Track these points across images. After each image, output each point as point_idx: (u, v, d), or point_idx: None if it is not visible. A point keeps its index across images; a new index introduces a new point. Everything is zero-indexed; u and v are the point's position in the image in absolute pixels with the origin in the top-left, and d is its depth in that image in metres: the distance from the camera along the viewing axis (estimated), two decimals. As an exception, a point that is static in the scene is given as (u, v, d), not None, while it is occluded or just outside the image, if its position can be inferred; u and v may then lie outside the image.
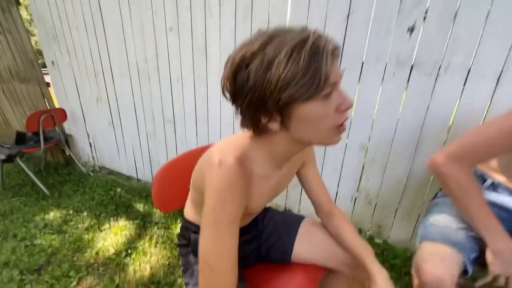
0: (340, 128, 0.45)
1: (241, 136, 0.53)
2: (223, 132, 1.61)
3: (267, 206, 0.80)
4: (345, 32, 1.14)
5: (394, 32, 1.06)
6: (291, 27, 0.42)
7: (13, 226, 1.62)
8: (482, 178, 0.78)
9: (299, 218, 0.80)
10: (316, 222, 0.79)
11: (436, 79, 1.04)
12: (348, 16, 1.11)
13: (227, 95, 0.46)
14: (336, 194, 1.43)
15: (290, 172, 0.64)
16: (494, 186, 0.75)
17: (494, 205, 0.71)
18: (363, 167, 1.32)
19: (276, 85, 0.39)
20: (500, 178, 0.75)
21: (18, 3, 2.10)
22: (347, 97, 0.44)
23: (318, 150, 1.37)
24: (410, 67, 1.08)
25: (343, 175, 1.37)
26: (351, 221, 0.88)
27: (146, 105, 1.84)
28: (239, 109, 0.46)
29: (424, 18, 1.00)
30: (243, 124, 0.48)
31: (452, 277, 0.62)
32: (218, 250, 0.46)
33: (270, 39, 0.40)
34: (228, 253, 0.47)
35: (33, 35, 9.51)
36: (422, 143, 1.14)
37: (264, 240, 0.79)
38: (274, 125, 0.45)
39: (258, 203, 0.59)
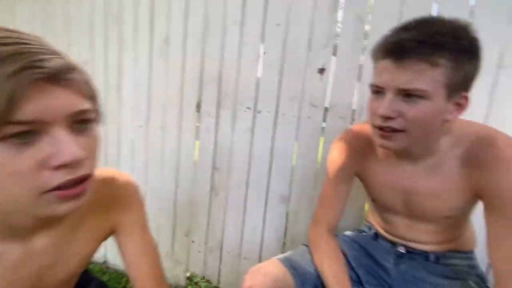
0: (63, 193, 0.29)
1: None
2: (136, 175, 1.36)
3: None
4: (258, 72, 1.05)
5: (305, 73, 0.98)
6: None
7: None
8: (369, 229, 0.78)
9: None
10: None
11: (351, 123, 0.94)
12: (260, 56, 1.04)
13: None
14: (260, 258, 1.17)
15: (72, 247, 0.41)
16: (376, 235, 0.75)
17: (370, 256, 0.72)
18: (286, 221, 1.11)
19: None
20: (377, 227, 0.76)
21: None
22: (67, 146, 0.28)
23: (238, 204, 1.16)
24: (324, 110, 0.98)
25: (266, 232, 1.15)
26: None
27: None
28: None
29: (334, 59, 0.94)
30: None
31: (262, 286, 0.59)
32: None
33: None
34: None
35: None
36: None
37: None
38: None
39: None
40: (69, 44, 1.40)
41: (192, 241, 1.30)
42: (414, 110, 0.48)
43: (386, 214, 0.69)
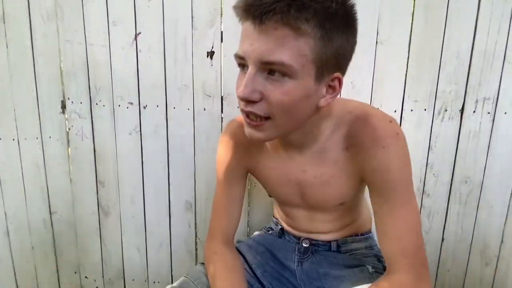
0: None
1: None
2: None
3: None
4: (137, 58, 0.85)
5: (193, 57, 0.83)
6: None
7: None
8: (276, 225, 0.73)
9: None
10: None
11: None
12: (135, 37, 0.84)
13: None
14: (172, 278, 1.00)
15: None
16: (282, 231, 0.70)
17: (275, 259, 0.66)
18: (196, 232, 0.97)
19: None
20: (282, 222, 0.71)
21: None
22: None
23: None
24: (220, 99, 0.86)
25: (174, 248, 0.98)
26: None
27: None
28: None
29: (221, 40, 0.82)
30: None
31: None
32: None
33: None
34: None
35: None
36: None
37: None
38: None
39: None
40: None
41: (86, 277, 1.03)
42: (279, 92, 0.38)
43: (286, 208, 0.63)
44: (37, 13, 0.85)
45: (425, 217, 0.92)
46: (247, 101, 0.39)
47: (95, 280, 1.03)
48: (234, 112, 0.85)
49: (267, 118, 0.40)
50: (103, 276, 1.02)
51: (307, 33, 0.36)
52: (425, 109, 0.84)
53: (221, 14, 0.80)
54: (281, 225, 0.69)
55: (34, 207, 0.97)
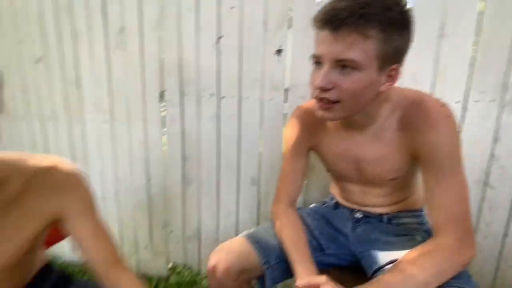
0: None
1: None
2: (106, 172, 1.34)
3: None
4: (218, 58, 1.04)
5: (263, 55, 0.98)
6: None
7: None
8: (331, 199, 0.82)
9: None
10: None
11: (311, 102, 0.96)
12: (218, 40, 1.03)
13: None
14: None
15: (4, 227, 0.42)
16: (336, 205, 0.79)
17: (330, 225, 0.76)
18: (258, 203, 1.14)
19: None
20: (337, 196, 0.80)
21: None
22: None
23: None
24: (284, 91, 0.99)
25: (240, 215, 1.17)
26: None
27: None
28: None
29: (289, 40, 0.95)
30: None
31: (227, 269, 0.62)
32: None
33: None
34: None
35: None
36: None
37: None
38: None
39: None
40: (20, 42, 1.32)
41: (170, 231, 1.30)
42: (348, 81, 0.50)
43: (343, 182, 0.73)
44: (146, 25, 1.11)
45: (487, 209, 0.91)
46: (323, 89, 0.51)
47: (177, 236, 1.29)
48: (296, 102, 0.97)
49: (336, 102, 0.52)
50: (183, 233, 1.28)
51: (373, 37, 0.48)
52: (492, 100, 0.84)
53: (290, 18, 0.93)
54: (336, 199, 0.80)
55: (136, 174, 1.27)
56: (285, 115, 1.02)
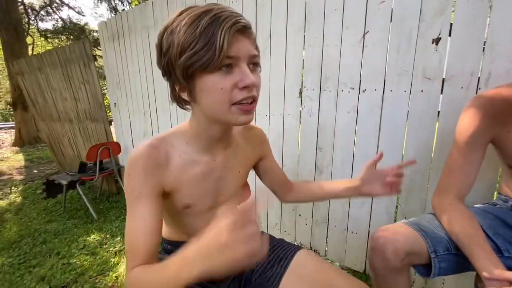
0: (242, 107, 0.45)
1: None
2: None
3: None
4: (362, 52, 1.08)
5: (416, 46, 0.96)
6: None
7: (60, 245, 1.79)
8: (505, 201, 0.75)
9: (295, 248, 0.69)
10: (311, 254, 0.66)
11: (476, 92, 0.88)
12: (364, 35, 1.07)
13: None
14: (369, 234, 1.21)
15: (235, 165, 0.61)
16: None
17: (507, 226, 0.69)
18: (397, 197, 1.12)
19: (177, 49, 0.43)
20: None
21: (95, 59, 2.63)
22: (248, 75, 0.44)
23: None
24: (441, 81, 0.94)
25: (375, 208, 1.18)
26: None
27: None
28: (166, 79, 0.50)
29: (451, 26, 0.89)
30: (171, 98, 0.52)
31: (396, 249, 0.64)
32: (130, 226, 0.47)
33: (185, 10, 0.45)
34: (137, 227, 0.47)
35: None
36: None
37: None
38: (185, 95, 0.48)
39: (197, 192, 0.55)
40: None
41: (299, 215, 1.44)
42: None
43: None
44: (291, 29, 1.26)
45: None
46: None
47: (305, 219, 1.42)
48: (455, 92, 0.91)
49: None
50: (312, 217, 1.39)
51: None
52: None
53: (454, 4, 0.88)
54: None
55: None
56: (438, 107, 0.96)
